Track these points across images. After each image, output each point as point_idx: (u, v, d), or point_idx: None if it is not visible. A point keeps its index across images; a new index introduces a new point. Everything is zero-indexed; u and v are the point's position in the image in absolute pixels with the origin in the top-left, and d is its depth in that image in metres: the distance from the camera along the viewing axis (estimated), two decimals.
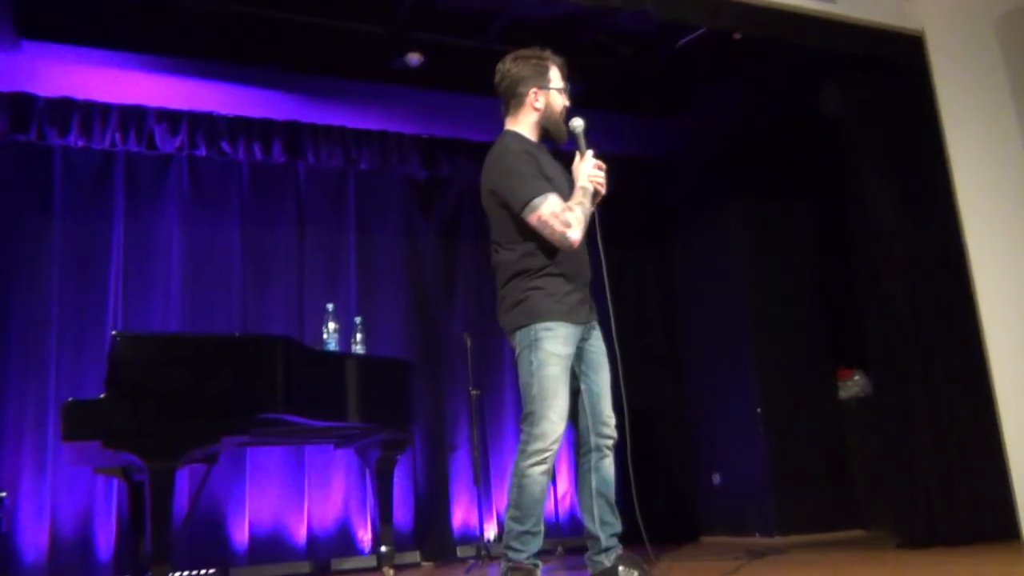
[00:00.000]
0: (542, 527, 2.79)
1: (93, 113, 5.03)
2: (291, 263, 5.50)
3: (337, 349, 4.48)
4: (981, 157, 4.40)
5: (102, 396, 3.36)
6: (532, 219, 2.80)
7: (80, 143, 5.00)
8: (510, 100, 3.05)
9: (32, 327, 4.78)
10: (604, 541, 2.90)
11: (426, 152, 5.97)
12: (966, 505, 4.18)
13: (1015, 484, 4.11)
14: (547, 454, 2.73)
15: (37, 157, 4.98)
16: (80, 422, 3.30)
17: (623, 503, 3.08)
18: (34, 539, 4.53)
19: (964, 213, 4.40)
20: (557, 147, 3.12)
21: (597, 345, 3.02)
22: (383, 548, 4.46)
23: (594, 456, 2.92)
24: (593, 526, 2.90)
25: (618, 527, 2.95)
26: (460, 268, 6.02)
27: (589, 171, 2.93)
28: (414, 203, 5.98)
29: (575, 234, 2.79)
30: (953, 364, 4.36)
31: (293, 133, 5.50)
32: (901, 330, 4.34)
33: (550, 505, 5.57)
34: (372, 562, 5.04)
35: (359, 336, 4.66)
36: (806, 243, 5.86)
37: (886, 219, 4.47)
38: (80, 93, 4.99)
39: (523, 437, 2.76)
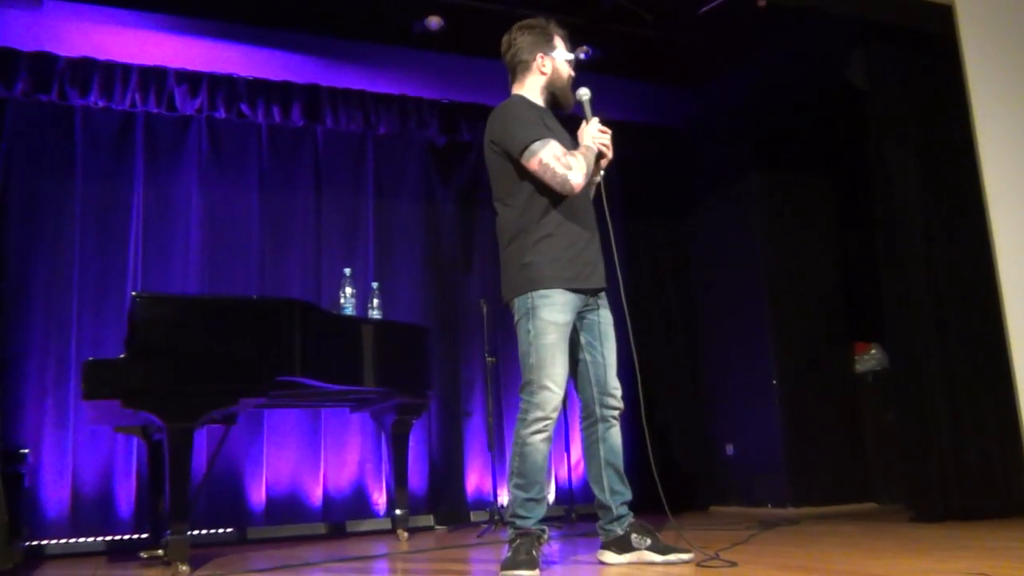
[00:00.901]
0: (546, 494, 2.82)
1: (114, 73, 5.03)
2: (309, 227, 5.51)
3: (354, 314, 4.50)
4: (1009, 130, 4.33)
5: (122, 356, 3.39)
6: (532, 163, 2.80)
7: (101, 103, 5.01)
8: (517, 66, 3.05)
9: (53, 286, 4.82)
10: (616, 510, 2.92)
11: (446, 117, 5.94)
12: (980, 480, 4.18)
13: None
14: (547, 422, 2.75)
15: (58, 117, 4.99)
16: (100, 381, 3.33)
17: (639, 470, 3.11)
18: (56, 495, 4.62)
19: (989, 187, 4.34)
20: (563, 114, 3.10)
21: (605, 315, 3.01)
22: (397, 511, 4.51)
23: (601, 427, 2.93)
24: (604, 496, 2.93)
25: (628, 495, 2.98)
26: (478, 234, 6.01)
27: (594, 133, 2.97)
28: (433, 168, 5.96)
29: (576, 177, 2.81)
30: (971, 340, 4.33)
31: (312, 96, 5.48)
32: (919, 305, 4.31)
33: (563, 472, 5.62)
34: (387, 524, 5.10)
35: (376, 301, 4.68)
36: (826, 216, 5.81)
37: (909, 193, 4.42)
38: (101, 53, 4.98)
39: (523, 406, 2.77)
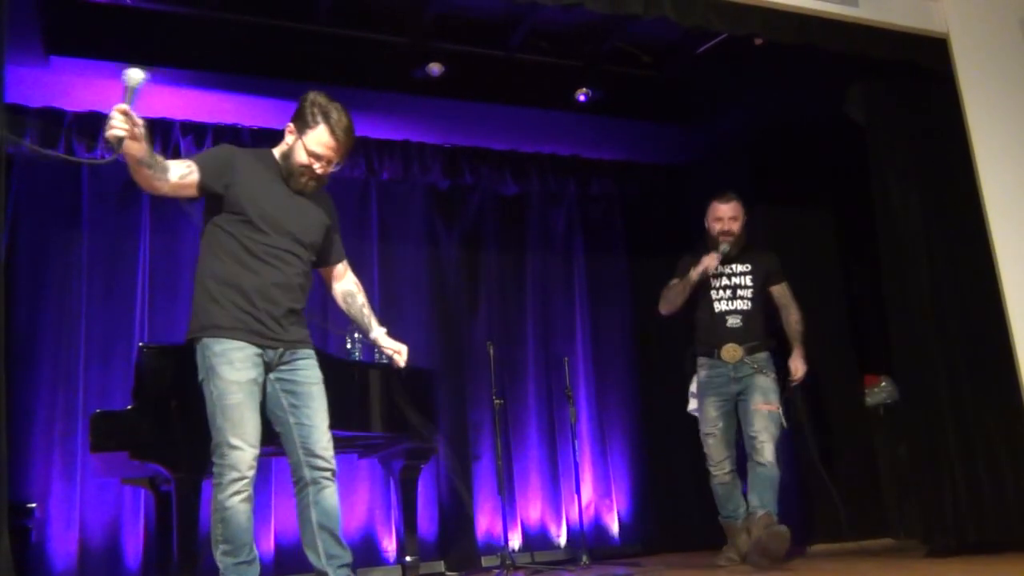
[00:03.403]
0: (256, 553, 2.71)
1: None
2: (314, 275, 5.51)
3: (361, 359, 4.49)
4: (1008, 160, 4.34)
5: (129, 407, 3.39)
6: None
7: (107, 156, 5.04)
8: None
9: (61, 339, 4.84)
10: (333, 574, 2.76)
11: (448, 161, 5.99)
12: (995, 514, 4.12)
13: None
14: (244, 482, 2.65)
15: (66, 171, 5.04)
16: (107, 433, 3.33)
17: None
18: (64, 548, 4.58)
19: (991, 218, 4.34)
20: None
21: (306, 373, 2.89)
22: (408, 558, 4.46)
23: (312, 489, 2.77)
24: (320, 561, 2.75)
25: (347, 558, 2.80)
26: (483, 277, 6.03)
27: (111, 118, 2.60)
28: (436, 212, 5.99)
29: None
30: (981, 371, 4.30)
31: None
32: (927, 337, 4.29)
33: (574, 514, 5.56)
34: (397, 572, 5.04)
35: None
36: (830, 250, 5.81)
37: (911, 225, 4.43)
38: (107, 107, 4.92)
39: (216, 470, 2.65)
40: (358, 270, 5.59)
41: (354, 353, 4.46)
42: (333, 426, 3.79)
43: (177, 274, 5.17)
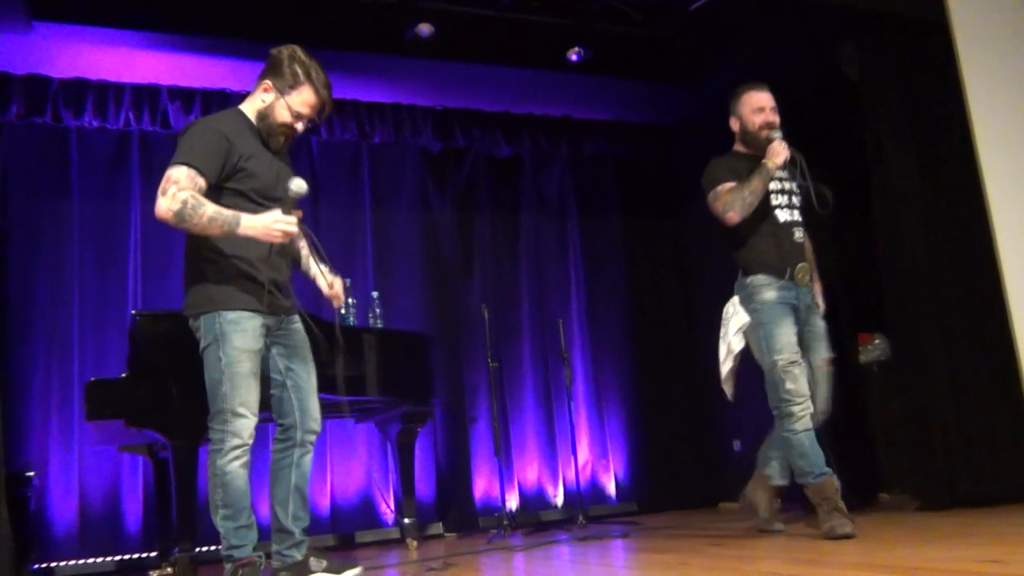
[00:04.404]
0: (254, 517, 2.74)
1: (107, 93, 5.05)
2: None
3: (355, 323, 4.49)
4: (1004, 114, 4.31)
5: (124, 375, 3.39)
6: (165, 172, 2.63)
7: (95, 123, 5.02)
8: (259, 76, 2.85)
9: (55, 308, 4.83)
10: (297, 535, 2.81)
11: (440, 124, 5.94)
12: (987, 467, 4.16)
13: None
14: (245, 447, 2.69)
15: (53, 138, 5.00)
16: (103, 401, 3.34)
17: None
18: (63, 515, 4.62)
19: (987, 174, 4.32)
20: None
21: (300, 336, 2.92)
22: (406, 520, 4.50)
23: (297, 451, 2.83)
24: (287, 521, 2.80)
25: (307, 521, 2.86)
26: (477, 239, 6.01)
27: (273, 220, 2.61)
28: (429, 175, 5.96)
29: (160, 204, 2.59)
30: (974, 326, 4.31)
31: None
32: (921, 294, 4.30)
33: (571, 475, 5.60)
34: (395, 534, 5.09)
35: (377, 310, 4.68)
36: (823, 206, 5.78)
37: (905, 182, 4.41)
38: (93, 73, 4.99)
39: (216, 436, 2.68)
40: (351, 234, 5.64)
41: (348, 318, 4.46)
42: (328, 391, 3.82)
43: (169, 240, 5.12)
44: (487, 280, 5.93)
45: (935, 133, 4.48)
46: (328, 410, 4.55)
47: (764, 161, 3.48)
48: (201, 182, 2.61)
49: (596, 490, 5.92)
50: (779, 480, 3.64)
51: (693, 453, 6.09)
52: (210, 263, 2.71)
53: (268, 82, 2.80)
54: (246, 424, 2.67)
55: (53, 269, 4.87)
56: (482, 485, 5.60)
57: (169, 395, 3.34)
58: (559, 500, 5.76)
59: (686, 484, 5.98)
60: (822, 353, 3.56)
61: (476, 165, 6.10)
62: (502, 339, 5.72)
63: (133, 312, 3.57)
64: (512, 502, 5.58)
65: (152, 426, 3.35)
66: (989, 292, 4.27)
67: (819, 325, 3.58)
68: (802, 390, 3.34)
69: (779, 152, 3.48)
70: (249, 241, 2.67)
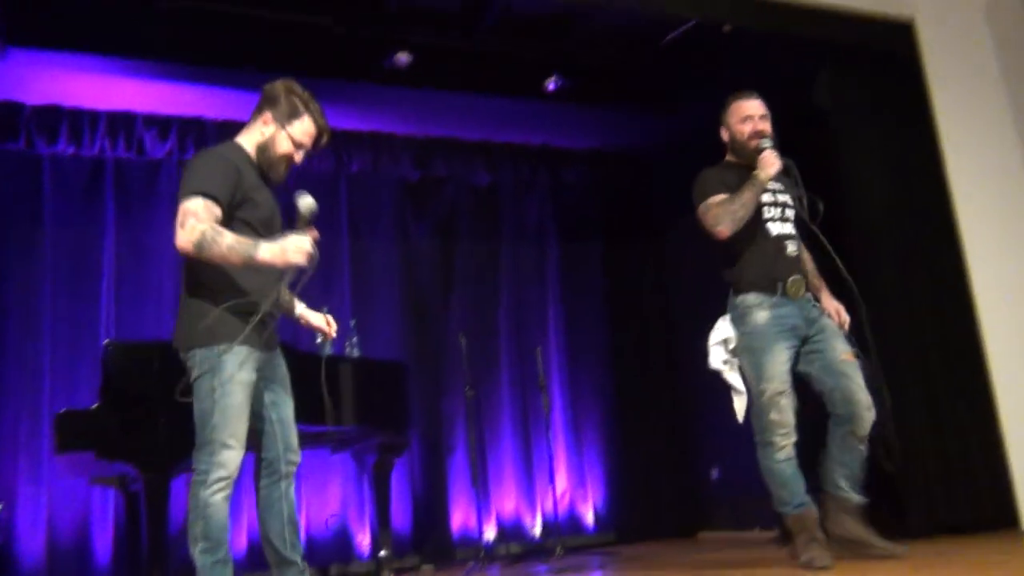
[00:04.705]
0: (230, 554, 2.69)
1: (82, 120, 5.02)
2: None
3: (332, 352, 4.45)
4: (972, 143, 4.39)
5: (95, 406, 3.33)
6: (180, 205, 2.60)
7: (69, 150, 4.98)
8: (253, 113, 2.88)
9: (26, 337, 4.75)
10: (300, 564, 2.81)
11: (418, 152, 5.95)
12: (965, 494, 4.17)
13: (1014, 472, 4.11)
14: (229, 480, 2.64)
15: (26, 165, 4.95)
16: (73, 433, 3.28)
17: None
18: (32, 549, 4.51)
19: (957, 201, 4.39)
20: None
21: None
22: (382, 552, 4.44)
23: (284, 483, 2.83)
24: (288, 551, 2.79)
25: (302, 550, 2.87)
26: (455, 268, 6.00)
27: (295, 244, 2.61)
28: (407, 204, 5.95)
29: (180, 237, 2.56)
30: (950, 353, 4.35)
31: None
32: (894, 318, 4.33)
33: (549, 505, 5.56)
34: (371, 567, 5.02)
35: (354, 339, 4.64)
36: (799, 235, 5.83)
37: (878, 208, 4.46)
38: (68, 100, 4.96)
39: (202, 467, 2.62)
40: (329, 263, 5.60)
41: (325, 348, 4.42)
42: (305, 421, 3.77)
43: (145, 268, 5.10)
44: (465, 308, 5.91)
45: (906, 161, 4.54)
46: (305, 440, 4.53)
47: (755, 172, 3.32)
48: (217, 212, 2.60)
49: (574, 520, 5.88)
50: (857, 496, 3.27)
51: (672, 481, 6.07)
52: (209, 295, 2.68)
53: (268, 114, 2.82)
54: (233, 456, 2.63)
55: (24, 298, 4.80)
56: (459, 516, 5.54)
57: (141, 426, 3.29)
58: (537, 530, 5.71)
59: (665, 513, 5.95)
60: (840, 348, 3.30)
61: (455, 194, 6.11)
62: (480, 367, 5.69)
63: (106, 341, 3.52)
64: (490, 533, 5.53)
65: (123, 458, 3.29)
66: (963, 317, 4.32)
67: (831, 324, 3.37)
68: (786, 421, 3.22)
69: (770, 162, 3.33)
70: (251, 274, 2.66)
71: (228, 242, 2.54)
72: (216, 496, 2.59)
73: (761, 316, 3.30)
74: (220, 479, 2.60)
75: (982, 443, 4.24)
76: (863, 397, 3.22)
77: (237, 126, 5.37)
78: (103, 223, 5.05)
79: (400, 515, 5.29)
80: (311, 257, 2.61)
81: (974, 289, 4.31)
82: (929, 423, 4.23)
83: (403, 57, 4.86)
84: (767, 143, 3.38)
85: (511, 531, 5.67)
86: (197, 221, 2.54)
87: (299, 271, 2.65)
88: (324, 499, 5.19)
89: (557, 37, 5.02)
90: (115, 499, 4.65)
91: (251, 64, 4.80)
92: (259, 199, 2.74)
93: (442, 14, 4.76)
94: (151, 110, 5.15)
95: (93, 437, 3.27)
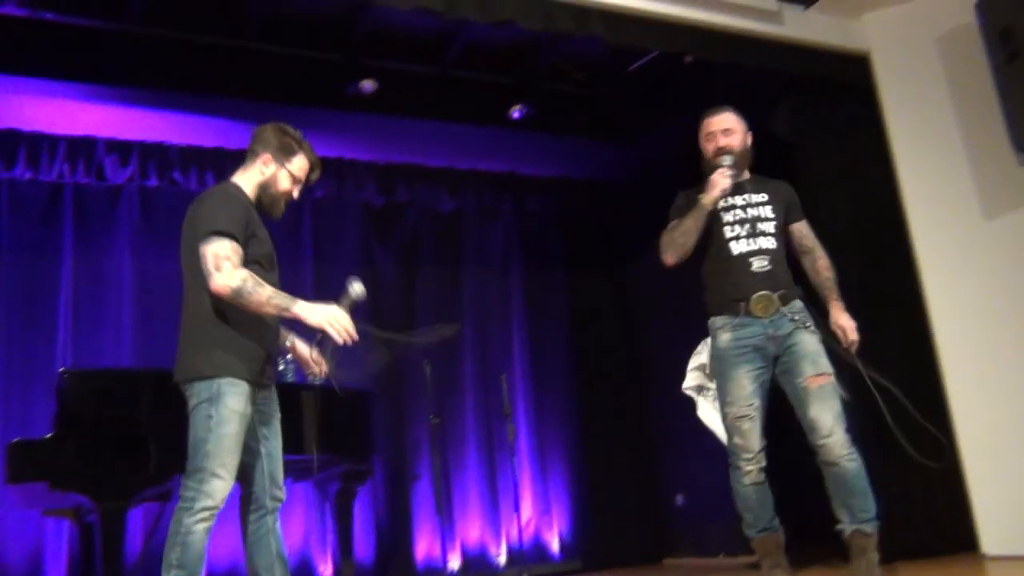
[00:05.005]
0: None
1: (41, 145, 4.96)
2: None
3: (294, 380, 4.40)
4: (927, 171, 4.49)
5: (49, 435, 3.26)
6: (202, 248, 2.68)
7: (27, 175, 4.90)
8: (247, 154, 2.99)
9: None
10: None
11: (383, 178, 5.95)
12: (925, 519, 4.22)
13: (972, 497, 4.16)
14: (214, 511, 2.65)
15: None
16: (26, 463, 3.20)
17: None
18: None
19: (913, 228, 4.48)
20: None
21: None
22: None
23: (270, 518, 2.87)
24: None
25: None
26: (420, 294, 5.98)
27: (332, 316, 2.74)
28: (371, 230, 5.94)
29: (219, 280, 2.63)
30: (907, 378, 4.39)
31: None
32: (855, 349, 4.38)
33: (514, 533, 5.53)
34: None
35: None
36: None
37: (839, 237, 4.51)
38: (27, 124, 4.90)
39: (189, 494, 2.62)
40: (292, 290, 5.52)
41: (287, 374, 4.37)
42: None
43: (103, 295, 5.01)
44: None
45: (864, 189, 4.63)
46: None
47: (700, 196, 3.28)
48: (241, 252, 2.70)
49: (539, 548, 5.84)
50: (850, 527, 3.18)
51: (637, 508, 6.06)
52: (216, 328, 2.73)
53: (266, 155, 2.93)
54: (222, 487, 2.62)
55: None
56: (423, 544, 5.48)
57: (97, 456, 3.22)
58: (502, 559, 5.66)
59: (630, 540, 5.94)
60: (806, 372, 3.15)
61: (419, 220, 6.10)
62: (444, 394, 5.66)
63: (61, 370, 3.44)
64: (454, 562, 5.47)
65: (78, 488, 3.21)
66: (921, 342, 4.38)
67: (804, 343, 3.19)
68: (750, 446, 3.16)
69: (714, 184, 3.25)
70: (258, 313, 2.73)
71: (268, 293, 2.67)
72: (198, 525, 2.59)
73: (724, 339, 3.26)
74: (205, 508, 2.60)
75: (941, 469, 4.29)
76: (823, 424, 3.13)
77: (200, 151, 5.40)
78: (60, 249, 4.97)
79: (363, 544, 5.22)
80: (340, 333, 2.73)
81: (932, 316, 4.38)
82: (888, 449, 4.27)
83: (368, 84, 4.87)
84: (726, 160, 3.31)
85: (475, 560, 5.61)
86: (234, 266, 2.64)
87: (323, 336, 2.76)
88: (286, 529, 5.08)
89: (523, 66, 5.06)
90: (69, 531, 4.53)
91: (216, 90, 4.79)
92: (262, 236, 2.86)
93: (409, 41, 4.78)
94: (112, 135, 5.09)
95: (47, 467, 3.19)
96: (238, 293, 2.62)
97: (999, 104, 4.10)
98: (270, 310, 2.69)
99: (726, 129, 3.42)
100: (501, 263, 6.32)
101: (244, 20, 4.42)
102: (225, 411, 2.65)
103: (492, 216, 6.36)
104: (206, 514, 2.60)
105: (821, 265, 3.38)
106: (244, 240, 2.74)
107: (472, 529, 5.67)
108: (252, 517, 2.84)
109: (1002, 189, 4.25)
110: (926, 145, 4.50)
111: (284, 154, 2.94)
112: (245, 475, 2.83)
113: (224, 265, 2.63)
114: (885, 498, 4.16)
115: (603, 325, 6.48)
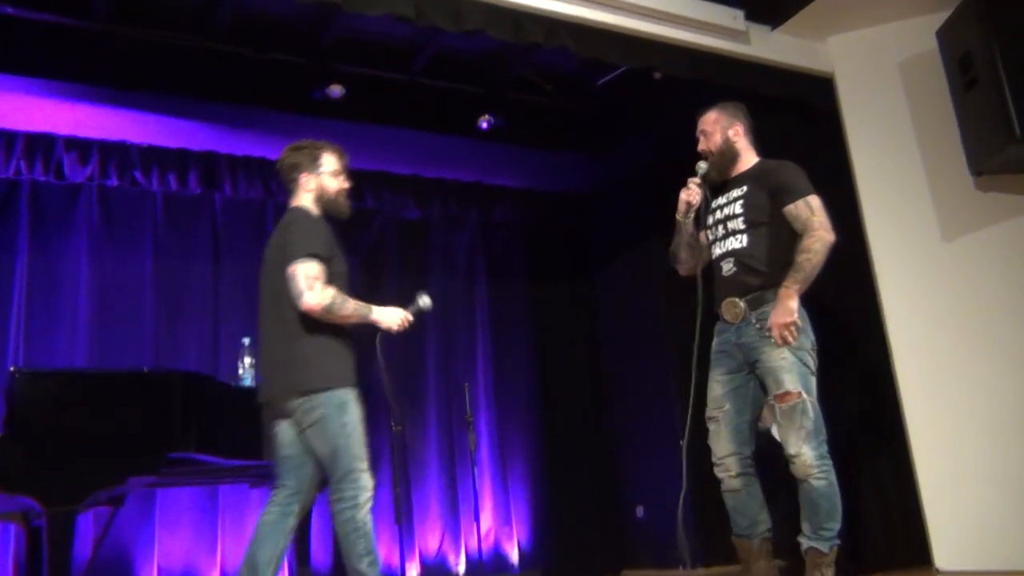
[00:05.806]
0: None
1: None
2: (206, 296, 5.34)
3: (253, 384, 4.34)
4: (887, 192, 4.55)
5: None
6: (291, 268, 2.97)
7: None
8: (289, 185, 3.26)
9: None
10: None
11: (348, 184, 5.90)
12: (879, 533, 4.27)
13: (926, 511, 4.21)
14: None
15: None
16: None
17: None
18: None
19: (874, 252, 4.54)
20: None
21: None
22: None
23: (291, 520, 3.14)
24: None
25: None
26: (383, 302, 5.90)
27: (397, 318, 3.28)
28: (336, 235, 5.86)
29: (311, 298, 2.95)
30: (864, 396, 4.47)
31: (210, 163, 5.38)
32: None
33: (473, 543, 5.50)
34: None
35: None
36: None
37: None
38: None
39: (351, 492, 2.95)
40: (254, 293, 5.44)
41: (246, 379, 4.31)
42: (223, 455, 3.67)
43: (57, 295, 4.91)
44: (392, 343, 5.82)
45: (827, 209, 4.67)
46: (224, 475, 4.39)
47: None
48: (326, 272, 3.02)
49: (499, 558, 5.81)
50: (806, 542, 3.15)
51: (597, 520, 6.06)
52: (330, 340, 3.09)
53: (302, 176, 3.20)
54: (369, 478, 2.99)
55: None
56: (382, 553, 5.41)
57: (46, 458, 3.14)
58: (461, 568, 5.63)
59: (590, 551, 5.94)
60: (771, 390, 3.12)
61: (384, 227, 6.07)
62: (406, 403, 5.63)
63: (12, 369, 3.35)
64: (412, 571, 5.42)
65: (26, 491, 3.12)
66: (879, 365, 4.44)
67: (766, 358, 3.11)
68: (718, 451, 3.23)
69: (680, 199, 3.33)
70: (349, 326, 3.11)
71: (352, 306, 3.07)
72: (369, 515, 2.96)
73: (714, 343, 3.36)
74: (368, 499, 2.96)
75: (896, 483, 4.35)
76: (788, 443, 3.13)
77: (163, 151, 5.33)
78: (14, 247, 4.86)
79: (320, 553, 5.16)
80: (400, 327, 3.28)
81: (889, 333, 4.45)
82: (849, 467, 4.32)
83: (336, 90, 4.84)
84: (699, 169, 3.36)
85: (434, 569, 5.57)
86: (323, 286, 2.98)
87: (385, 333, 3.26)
88: (242, 535, 5.02)
89: (492, 76, 5.06)
90: (17, 536, 4.42)
91: (180, 91, 4.73)
92: (339, 254, 3.18)
93: (378, 48, 4.76)
94: (72, 132, 5.00)
95: None
96: (328, 310, 2.98)
97: (958, 129, 4.19)
98: (354, 320, 3.08)
99: (702, 131, 3.46)
100: (466, 272, 6.31)
101: (212, 21, 4.37)
102: (352, 416, 3.04)
103: (458, 225, 6.34)
104: (370, 504, 2.97)
105: (798, 248, 3.17)
106: (328, 259, 3.04)
107: (431, 538, 5.63)
108: (275, 509, 3.08)
109: (960, 211, 4.33)
110: (886, 167, 4.56)
111: (312, 163, 3.20)
112: (290, 470, 3.09)
113: (315, 285, 2.95)
114: (842, 515, 4.23)
115: (567, 336, 6.48)
